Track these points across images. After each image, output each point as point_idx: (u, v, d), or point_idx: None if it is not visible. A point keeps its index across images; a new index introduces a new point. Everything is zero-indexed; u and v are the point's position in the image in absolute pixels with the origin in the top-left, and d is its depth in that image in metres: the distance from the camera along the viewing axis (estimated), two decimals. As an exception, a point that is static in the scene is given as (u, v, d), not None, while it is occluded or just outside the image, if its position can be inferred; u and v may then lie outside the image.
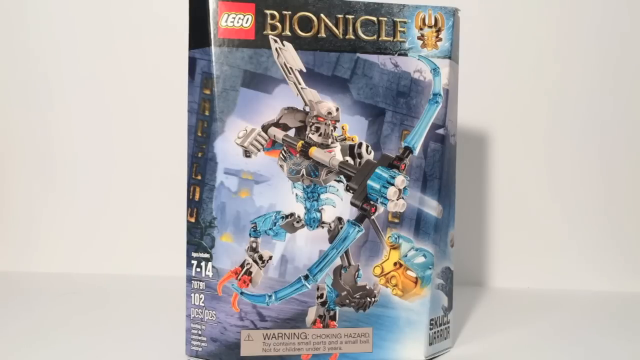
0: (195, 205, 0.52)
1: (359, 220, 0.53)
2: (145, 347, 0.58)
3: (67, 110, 0.93)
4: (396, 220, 0.53)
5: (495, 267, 0.91)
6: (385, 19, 0.53)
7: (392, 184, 0.52)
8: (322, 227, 0.53)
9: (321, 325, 0.53)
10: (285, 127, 0.52)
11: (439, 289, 0.57)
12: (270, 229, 0.52)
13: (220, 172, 0.52)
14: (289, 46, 0.52)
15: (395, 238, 0.53)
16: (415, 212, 0.54)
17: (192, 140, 0.52)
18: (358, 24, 0.53)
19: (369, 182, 0.52)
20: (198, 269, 0.52)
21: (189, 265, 0.53)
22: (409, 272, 0.54)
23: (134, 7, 0.92)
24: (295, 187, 0.52)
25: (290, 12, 0.52)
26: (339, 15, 0.52)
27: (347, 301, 0.53)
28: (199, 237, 0.52)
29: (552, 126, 0.90)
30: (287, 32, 0.52)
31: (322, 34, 0.52)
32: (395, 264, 0.53)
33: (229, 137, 0.51)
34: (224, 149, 0.51)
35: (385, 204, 0.52)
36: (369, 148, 0.53)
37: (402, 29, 0.53)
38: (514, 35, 0.90)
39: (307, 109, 0.52)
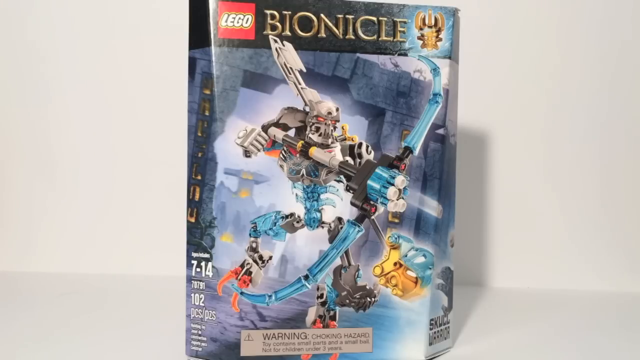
0: (195, 205, 0.52)
1: (359, 220, 0.53)
2: (145, 347, 0.58)
3: (67, 111, 0.93)
4: (396, 220, 0.53)
5: (495, 267, 0.91)
6: (385, 19, 0.53)
7: (392, 184, 0.52)
8: (322, 227, 0.53)
9: (321, 325, 0.53)
10: (285, 127, 0.52)
11: (439, 289, 0.57)
12: (270, 229, 0.52)
13: (220, 172, 0.52)
14: (289, 46, 0.52)
15: (395, 238, 0.53)
16: (415, 212, 0.54)
17: (192, 140, 0.52)
18: (358, 24, 0.53)
19: (369, 182, 0.52)
20: (198, 269, 0.52)
21: (189, 265, 0.53)
22: (409, 272, 0.54)
23: (133, 7, 0.92)
24: (295, 187, 0.52)
25: (290, 12, 0.52)
26: (339, 15, 0.52)
27: (347, 301, 0.53)
28: (199, 237, 0.52)
29: (552, 126, 0.90)
30: (287, 32, 0.52)
31: (322, 34, 0.52)
32: (395, 264, 0.53)
33: (229, 137, 0.51)
34: (224, 149, 0.51)
35: (385, 204, 0.52)
36: (369, 148, 0.53)
37: (402, 29, 0.53)
38: (514, 35, 0.90)
39: (307, 109, 0.52)
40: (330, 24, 0.52)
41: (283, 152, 0.52)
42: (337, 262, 0.53)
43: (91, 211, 0.93)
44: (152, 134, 0.92)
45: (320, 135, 0.52)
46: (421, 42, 0.54)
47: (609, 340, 0.63)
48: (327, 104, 0.52)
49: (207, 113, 0.51)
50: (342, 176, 0.53)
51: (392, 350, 0.54)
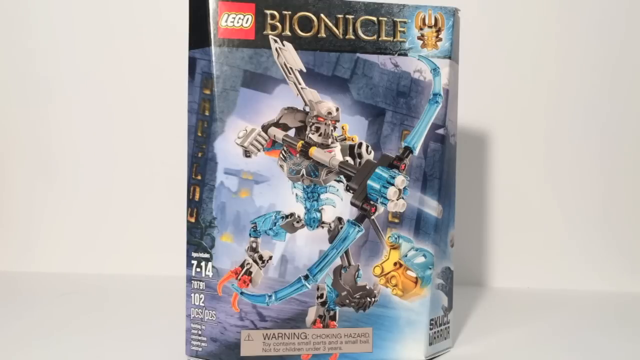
0: (195, 205, 0.52)
1: (359, 220, 0.53)
2: (145, 347, 0.58)
3: (67, 111, 0.93)
4: (396, 220, 0.53)
5: (495, 267, 0.91)
6: (385, 19, 0.53)
7: (392, 184, 0.52)
8: (322, 227, 0.53)
9: (321, 325, 0.53)
10: (285, 127, 0.52)
11: (439, 289, 0.57)
12: (270, 229, 0.52)
13: (220, 172, 0.52)
14: (289, 46, 0.52)
15: (395, 238, 0.53)
16: (415, 212, 0.54)
17: (192, 140, 0.52)
18: (358, 24, 0.53)
19: (369, 182, 0.52)
20: (198, 269, 0.52)
21: (189, 265, 0.53)
22: (409, 272, 0.54)
23: (134, 8, 0.92)
24: (295, 187, 0.52)
25: (290, 12, 0.52)
26: (339, 15, 0.52)
27: (347, 301, 0.53)
28: (199, 237, 0.52)
29: (552, 126, 0.90)
30: (287, 32, 0.52)
31: (322, 34, 0.52)
32: (395, 264, 0.53)
33: (229, 137, 0.51)
34: (224, 149, 0.51)
35: (385, 204, 0.52)
36: (369, 148, 0.53)
37: (402, 29, 0.53)
38: (514, 35, 0.90)
39: (307, 109, 0.52)
40: (330, 24, 0.52)
41: (283, 152, 0.52)
42: (337, 262, 0.53)
43: (91, 211, 0.93)
44: (152, 134, 0.92)
45: (320, 135, 0.52)
46: (421, 42, 0.54)
47: (609, 340, 0.63)
48: (327, 104, 0.52)
49: (207, 113, 0.51)
50: (342, 176, 0.53)
51: (392, 350, 0.54)
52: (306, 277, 0.52)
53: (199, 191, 0.52)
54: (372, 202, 0.52)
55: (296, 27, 0.52)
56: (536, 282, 0.89)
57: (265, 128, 0.52)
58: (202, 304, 0.52)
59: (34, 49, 0.92)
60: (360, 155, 0.53)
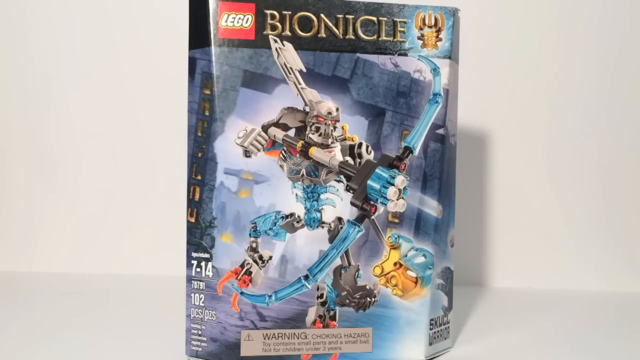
0: (195, 205, 0.52)
1: (359, 220, 0.53)
2: (145, 347, 0.58)
3: (67, 110, 0.93)
4: (396, 220, 0.53)
5: (495, 267, 0.91)
6: (385, 19, 0.53)
7: (392, 184, 0.52)
8: (322, 227, 0.53)
9: (321, 325, 0.53)
10: (285, 127, 0.52)
11: (439, 289, 0.57)
12: (270, 229, 0.52)
13: (220, 172, 0.52)
14: (289, 46, 0.52)
15: (395, 238, 0.53)
16: (415, 212, 0.54)
17: (192, 140, 0.52)
18: (358, 24, 0.53)
19: (369, 182, 0.52)
20: (198, 269, 0.52)
21: (189, 265, 0.53)
22: (409, 272, 0.54)
23: (134, 7, 0.92)
24: (295, 187, 0.53)
25: (290, 12, 0.52)
26: (339, 15, 0.52)
27: (347, 301, 0.53)
28: (199, 237, 0.52)
29: (552, 126, 0.90)
30: (287, 32, 0.52)
31: (322, 34, 0.52)
32: (395, 264, 0.53)
33: (229, 137, 0.51)
34: (224, 149, 0.51)
35: (385, 204, 0.52)
36: (369, 148, 0.53)
37: (402, 29, 0.53)
38: (514, 35, 0.90)
39: (307, 109, 0.52)
40: (330, 24, 0.52)
41: (283, 152, 0.52)
42: (337, 262, 0.53)
43: (91, 211, 0.93)
44: (152, 134, 0.92)
45: (320, 135, 0.52)
46: (421, 42, 0.54)
47: (609, 340, 0.63)
48: (327, 104, 0.52)
49: (207, 113, 0.51)
50: (342, 176, 0.53)
51: (392, 350, 0.54)
52: (306, 277, 0.52)
53: (199, 191, 0.52)
54: (372, 202, 0.52)
55: (296, 27, 0.52)
56: (536, 282, 0.89)
57: (265, 128, 0.52)
58: (202, 304, 0.52)
59: (34, 49, 0.92)
60: (360, 155, 0.53)
